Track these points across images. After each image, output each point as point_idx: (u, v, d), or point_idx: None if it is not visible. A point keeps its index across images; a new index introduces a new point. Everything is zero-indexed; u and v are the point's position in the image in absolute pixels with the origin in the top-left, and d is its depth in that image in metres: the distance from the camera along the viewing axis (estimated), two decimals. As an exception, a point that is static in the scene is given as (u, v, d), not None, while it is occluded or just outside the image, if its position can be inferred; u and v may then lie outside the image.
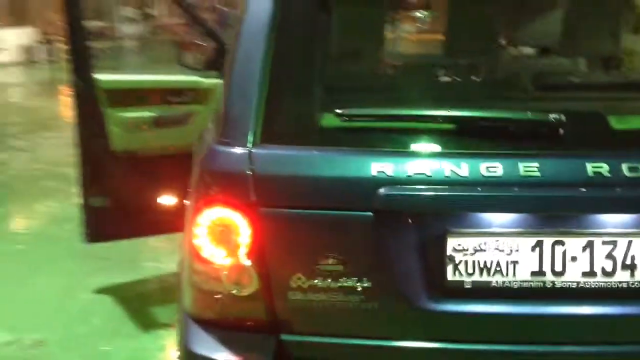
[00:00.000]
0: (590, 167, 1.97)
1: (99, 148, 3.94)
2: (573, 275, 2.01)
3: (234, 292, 2.05)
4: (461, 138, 2.08)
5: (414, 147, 2.06)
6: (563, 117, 2.03)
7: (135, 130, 4.00)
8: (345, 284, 2.02)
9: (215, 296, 2.09)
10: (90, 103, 3.88)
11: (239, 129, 2.09)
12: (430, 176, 1.97)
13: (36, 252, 5.38)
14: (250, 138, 2.07)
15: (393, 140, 2.09)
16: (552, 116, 2.04)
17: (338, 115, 2.09)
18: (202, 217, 2.04)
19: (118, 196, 3.99)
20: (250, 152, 2.05)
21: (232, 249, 2.03)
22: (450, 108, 2.09)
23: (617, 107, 2.20)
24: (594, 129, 2.11)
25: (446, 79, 2.74)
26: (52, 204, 6.54)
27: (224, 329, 2.10)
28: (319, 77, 2.21)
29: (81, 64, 3.81)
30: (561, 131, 2.04)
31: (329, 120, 2.11)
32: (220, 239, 2.04)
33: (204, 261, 2.07)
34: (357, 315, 2.03)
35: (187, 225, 2.12)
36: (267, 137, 2.08)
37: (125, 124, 3.95)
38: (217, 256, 2.05)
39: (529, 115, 2.07)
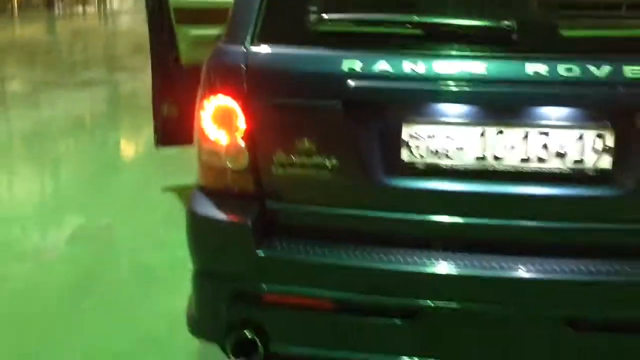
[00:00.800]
0: (530, 67, 2.26)
1: (169, 61, 4.44)
2: (511, 161, 2.33)
3: (230, 166, 2.49)
4: (423, 41, 2.38)
5: (381, 48, 2.40)
6: (514, 24, 2.31)
7: (200, 45, 4.46)
8: (318, 162, 2.40)
9: (216, 169, 2.53)
10: (162, 20, 4.37)
11: (240, 31, 2.50)
12: (391, 72, 2.32)
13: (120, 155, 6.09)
14: (248, 38, 2.48)
15: (364, 42, 2.44)
16: (504, 23, 2.33)
17: (322, 20, 2.45)
18: (207, 105, 2.47)
19: (185, 106, 4.48)
20: (245, 50, 2.46)
21: (230, 132, 2.46)
22: (415, 15, 2.41)
23: (567, 20, 2.45)
24: (540, 36, 2.37)
25: None
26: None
27: (220, 196, 2.54)
28: None
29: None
30: (512, 36, 2.33)
31: (314, 24, 2.47)
32: (221, 123, 2.47)
33: (209, 141, 2.50)
34: (327, 188, 2.42)
35: (196, 112, 2.56)
36: (262, 38, 2.48)
37: (192, 40, 4.42)
38: (219, 137, 2.48)
39: (484, 22, 2.36)
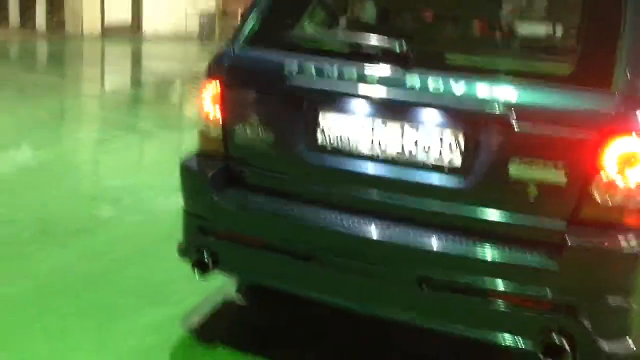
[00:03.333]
0: (409, 79, 3.00)
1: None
2: (391, 151, 3.06)
3: (212, 135, 3.43)
4: (340, 54, 3.21)
5: (313, 56, 3.23)
6: (406, 46, 3.05)
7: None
8: (264, 136, 3.29)
9: (205, 137, 3.48)
10: None
11: (237, 37, 3.45)
12: (314, 73, 3.16)
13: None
14: (239, 43, 3.42)
15: (300, 50, 3.28)
16: (398, 45, 3.06)
17: (278, 31, 3.35)
18: (206, 89, 3.43)
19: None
20: (232, 51, 3.40)
21: (214, 110, 3.41)
22: (338, 35, 3.24)
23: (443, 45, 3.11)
24: (419, 56, 3.05)
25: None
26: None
27: (203, 157, 3.48)
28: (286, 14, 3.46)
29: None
30: (400, 56, 3.05)
31: (279, 36, 3.37)
32: (211, 102, 3.42)
33: (203, 116, 3.47)
34: (269, 156, 3.30)
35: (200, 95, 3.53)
36: (249, 42, 3.41)
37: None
38: (209, 112, 3.43)
39: (381, 44, 3.12)
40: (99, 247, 4.84)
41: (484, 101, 2.93)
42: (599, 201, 2.81)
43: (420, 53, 3.08)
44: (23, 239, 4.90)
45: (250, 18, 3.47)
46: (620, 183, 2.79)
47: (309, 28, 3.44)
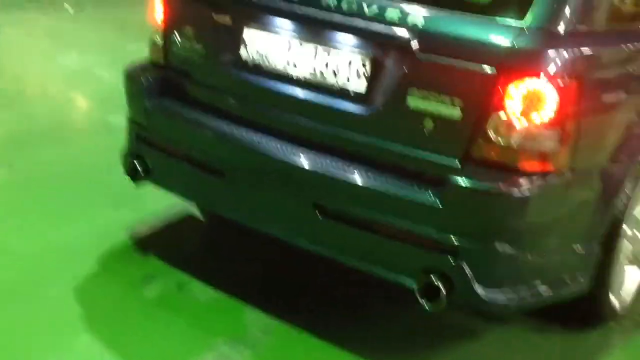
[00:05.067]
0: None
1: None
2: (304, 71, 2.97)
3: (157, 43, 3.44)
4: None
5: None
6: None
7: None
8: (198, 49, 3.28)
9: (152, 46, 3.49)
10: None
11: None
12: None
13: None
14: None
15: None
16: None
17: None
18: None
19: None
20: None
21: (161, 21, 3.41)
22: None
23: None
24: None
25: None
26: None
27: (148, 66, 3.50)
28: None
29: None
30: None
31: None
32: (157, 9, 3.42)
33: (153, 24, 3.47)
34: (200, 68, 3.30)
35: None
36: None
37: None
38: (155, 18, 3.44)
39: None
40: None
41: (391, 25, 2.78)
42: (494, 141, 2.64)
43: None
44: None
45: None
46: (517, 124, 2.61)
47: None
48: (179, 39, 3.33)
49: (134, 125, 3.48)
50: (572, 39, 2.69)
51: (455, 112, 2.67)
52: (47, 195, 4.21)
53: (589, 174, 2.91)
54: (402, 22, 2.77)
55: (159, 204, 4.07)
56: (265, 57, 3.09)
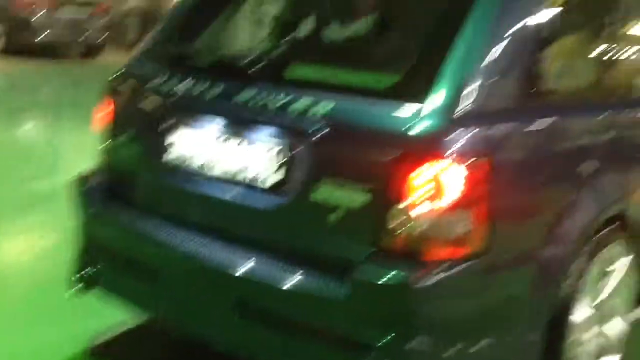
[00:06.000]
0: (242, 94, 2.87)
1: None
2: (220, 168, 2.94)
3: (100, 149, 3.45)
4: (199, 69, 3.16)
5: (174, 70, 3.19)
6: (246, 61, 2.93)
7: None
8: (132, 152, 3.28)
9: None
10: None
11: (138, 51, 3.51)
12: (167, 88, 3.12)
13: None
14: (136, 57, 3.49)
15: (172, 64, 3.25)
16: (243, 61, 2.94)
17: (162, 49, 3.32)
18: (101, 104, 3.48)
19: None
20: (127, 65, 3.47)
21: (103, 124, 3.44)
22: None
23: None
24: (260, 75, 2.92)
25: None
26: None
27: (95, 170, 3.50)
28: None
29: None
30: (245, 69, 2.93)
31: (160, 50, 3.36)
32: (102, 116, 3.45)
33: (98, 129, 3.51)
34: (135, 171, 3.28)
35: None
36: (142, 57, 3.49)
37: None
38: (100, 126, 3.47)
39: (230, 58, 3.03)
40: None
41: (299, 117, 2.73)
42: (400, 229, 2.50)
43: (259, 66, 2.94)
44: None
45: (152, 33, 3.53)
46: (422, 210, 2.47)
47: (182, 43, 3.38)
48: (119, 143, 3.35)
49: (81, 232, 3.45)
50: (477, 119, 2.57)
51: (363, 201, 2.55)
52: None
53: (520, 257, 2.75)
54: (308, 113, 2.71)
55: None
56: (183, 158, 3.07)
